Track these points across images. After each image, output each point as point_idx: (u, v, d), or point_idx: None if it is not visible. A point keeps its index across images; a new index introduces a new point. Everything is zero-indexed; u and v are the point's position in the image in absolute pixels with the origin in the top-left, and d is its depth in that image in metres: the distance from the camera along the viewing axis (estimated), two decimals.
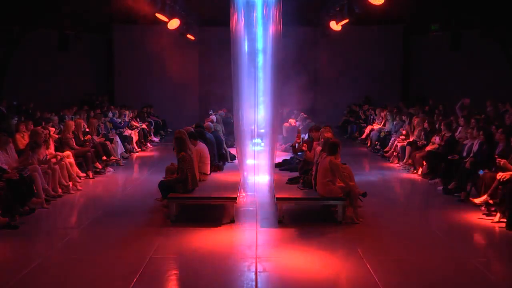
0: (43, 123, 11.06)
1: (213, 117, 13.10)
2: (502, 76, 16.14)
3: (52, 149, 9.82)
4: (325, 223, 7.40)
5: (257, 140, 11.17)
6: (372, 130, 15.37)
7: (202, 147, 8.65)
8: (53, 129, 10.93)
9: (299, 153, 9.89)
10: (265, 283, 5.46)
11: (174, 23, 14.44)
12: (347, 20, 14.64)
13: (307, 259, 6.10)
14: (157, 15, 13.54)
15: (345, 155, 11.02)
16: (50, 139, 9.89)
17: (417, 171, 11.03)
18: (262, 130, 10.92)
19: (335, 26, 15.43)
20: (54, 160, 9.14)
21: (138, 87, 19.41)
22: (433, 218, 7.84)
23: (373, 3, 11.68)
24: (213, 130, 10.74)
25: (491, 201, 7.71)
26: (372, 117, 16.62)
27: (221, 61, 16.04)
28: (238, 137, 10.02)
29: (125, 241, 6.66)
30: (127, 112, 15.49)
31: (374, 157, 13.66)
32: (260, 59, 10.05)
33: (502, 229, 7.11)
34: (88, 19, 17.19)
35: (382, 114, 15.49)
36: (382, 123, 15.34)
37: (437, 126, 11.56)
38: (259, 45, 9.95)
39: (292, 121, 14.52)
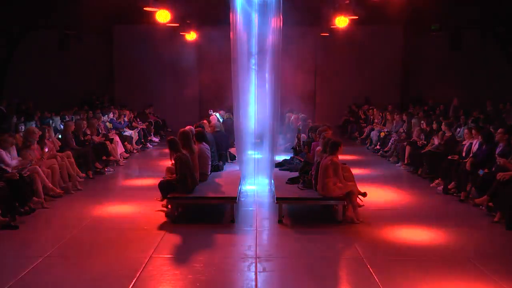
0: (39, 123, 11.07)
1: (214, 118, 13.12)
2: (502, 76, 16.15)
3: (52, 149, 9.82)
4: (325, 223, 7.40)
5: (257, 140, 11.17)
6: (372, 130, 15.39)
7: (202, 147, 8.65)
8: (50, 128, 10.85)
9: (299, 154, 9.90)
10: (265, 283, 5.46)
11: (163, 16, 14.35)
12: (347, 21, 14.75)
13: (307, 259, 6.10)
14: (157, 14, 13.58)
15: (345, 155, 11.02)
16: (46, 139, 9.87)
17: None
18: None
19: (336, 25, 15.51)
20: (53, 160, 9.13)
21: (138, 87, 19.43)
22: (433, 218, 7.83)
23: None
24: (218, 129, 10.77)
25: (491, 202, 7.71)
26: (372, 117, 16.64)
27: (221, 61, 16.07)
28: (238, 137, 10.01)
29: (125, 241, 6.66)
30: (127, 112, 15.51)
31: (374, 157, 13.66)
32: (260, 59, 10.04)
33: (502, 229, 7.11)
34: (88, 19, 17.20)
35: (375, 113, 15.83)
36: (382, 123, 15.37)
37: (435, 126, 11.55)
38: (259, 45, 9.95)
39: (293, 117, 14.48)
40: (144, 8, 13.23)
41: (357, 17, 14.47)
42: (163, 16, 13.51)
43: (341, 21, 14.87)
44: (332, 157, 7.32)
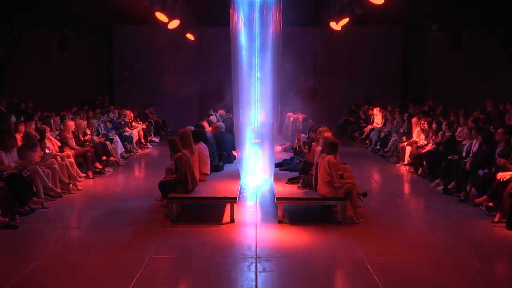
0: (39, 123, 11.05)
1: (213, 118, 13.13)
2: (502, 76, 16.14)
3: (52, 150, 9.81)
4: (325, 223, 7.40)
5: (257, 140, 11.16)
6: (372, 130, 15.38)
7: (201, 147, 8.65)
8: (48, 128, 10.80)
9: (299, 154, 9.90)
10: (265, 283, 5.46)
11: (173, 23, 14.60)
12: (347, 20, 14.80)
13: (307, 259, 6.10)
14: (157, 14, 13.67)
15: (345, 155, 11.02)
16: (46, 139, 9.85)
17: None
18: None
19: (335, 26, 15.58)
20: (53, 160, 9.12)
21: (138, 87, 19.42)
22: (433, 218, 7.83)
23: (374, 2, 11.79)
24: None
25: (491, 202, 7.70)
26: (372, 117, 16.64)
27: (221, 61, 16.05)
28: (238, 137, 10.01)
29: (125, 241, 6.66)
30: (127, 112, 15.50)
31: (374, 157, 13.66)
32: (260, 59, 10.03)
33: (502, 229, 7.11)
34: (88, 19, 17.21)
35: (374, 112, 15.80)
36: (382, 123, 15.36)
37: (434, 126, 11.55)
38: (259, 44, 9.94)
39: (293, 117, 14.48)
40: (155, 13, 13.34)
41: (354, 18, 14.56)
42: (163, 16, 13.67)
43: (340, 22, 15.05)
44: (330, 157, 7.32)
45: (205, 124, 11.24)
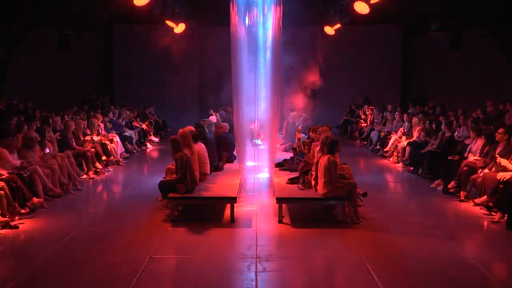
0: (39, 123, 11.05)
1: (214, 118, 13.15)
2: (502, 76, 16.14)
3: (51, 149, 9.81)
4: (325, 223, 7.40)
5: (258, 141, 11.17)
6: (372, 130, 15.39)
7: (201, 147, 8.64)
8: (48, 128, 10.80)
9: (299, 154, 9.90)
10: (265, 283, 5.46)
11: (180, 28, 14.75)
12: (339, 25, 15.14)
13: (307, 259, 6.10)
14: (167, 22, 13.81)
15: (345, 155, 11.01)
16: (46, 139, 9.85)
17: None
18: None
19: (329, 30, 15.91)
20: (53, 160, 9.12)
21: (138, 87, 19.43)
22: (433, 218, 7.83)
23: (360, 12, 12.14)
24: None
25: (491, 202, 7.71)
26: (372, 117, 16.64)
27: (221, 60, 16.04)
28: (238, 137, 10.01)
29: (125, 241, 6.66)
30: (127, 112, 15.50)
31: (374, 157, 13.66)
32: (260, 59, 10.04)
33: (502, 229, 7.11)
34: (88, 19, 17.22)
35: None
36: (382, 123, 15.37)
37: (434, 126, 11.56)
38: (259, 45, 9.95)
39: (293, 114, 14.47)
40: (166, 21, 13.40)
41: (343, 24, 14.83)
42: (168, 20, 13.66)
43: (331, 29, 15.40)
44: (329, 156, 7.32)
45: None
